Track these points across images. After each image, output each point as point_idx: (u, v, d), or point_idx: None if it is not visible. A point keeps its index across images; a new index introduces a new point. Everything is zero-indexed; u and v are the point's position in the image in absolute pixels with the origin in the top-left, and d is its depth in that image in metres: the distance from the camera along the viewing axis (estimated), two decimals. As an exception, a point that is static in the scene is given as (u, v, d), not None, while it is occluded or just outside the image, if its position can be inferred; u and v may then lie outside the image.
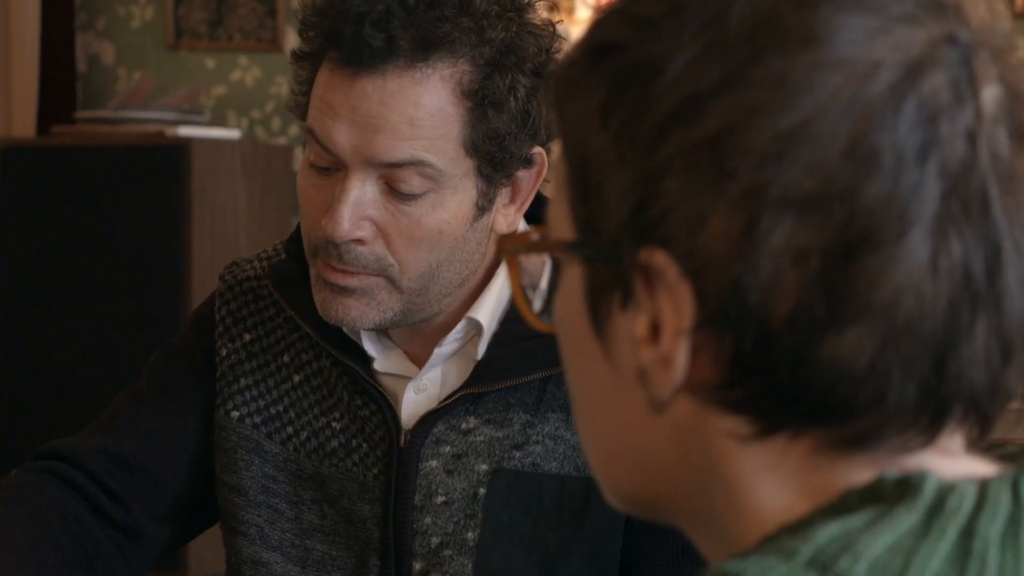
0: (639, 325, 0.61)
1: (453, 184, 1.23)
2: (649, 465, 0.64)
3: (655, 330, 0.61)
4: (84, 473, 1.37)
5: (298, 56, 1.27)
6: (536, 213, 1.32)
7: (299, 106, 1.28)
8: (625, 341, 0.62)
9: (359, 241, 1.23)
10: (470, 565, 1.27)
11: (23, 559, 1.27)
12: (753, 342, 0.59)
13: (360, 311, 1.25)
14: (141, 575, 1.40)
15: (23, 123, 3.71)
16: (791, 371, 0.59)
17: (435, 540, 1.29)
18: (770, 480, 0.61)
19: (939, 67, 0.59)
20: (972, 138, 0.59)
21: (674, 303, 0.60)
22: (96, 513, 1.36)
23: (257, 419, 1.36)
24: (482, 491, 1.28)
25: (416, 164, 1.21)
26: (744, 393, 0.60)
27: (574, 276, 0.65)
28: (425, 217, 1.22)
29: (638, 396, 0.62)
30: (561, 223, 0.65)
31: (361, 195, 1.22)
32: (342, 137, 1.21)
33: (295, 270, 1.33)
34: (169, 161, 3.08)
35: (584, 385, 0.66)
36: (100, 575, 1.35)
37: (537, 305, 0.69)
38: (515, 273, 0.67)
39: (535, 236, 0.69)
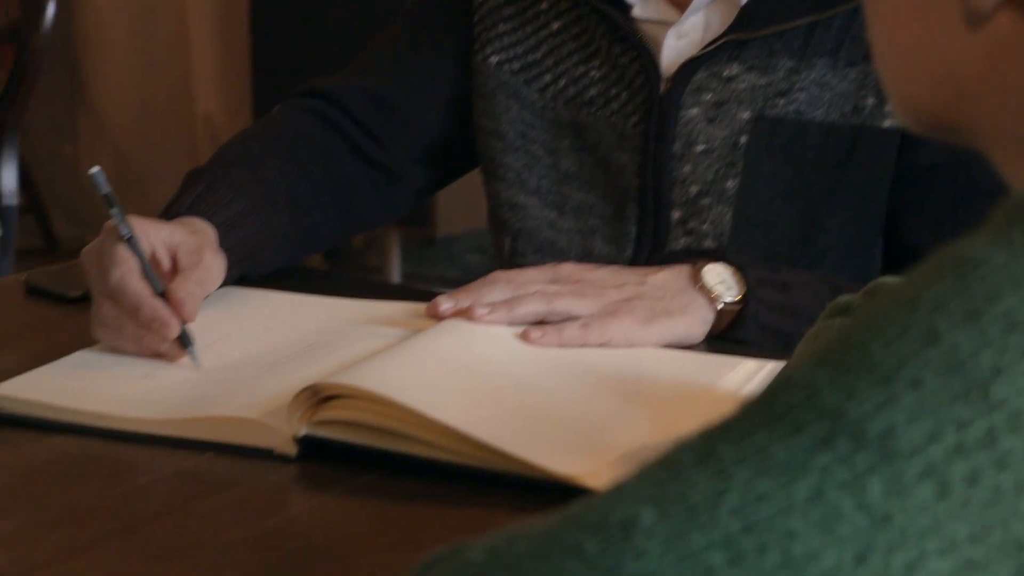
0: None
1: None
2: (956, 83, 0.60)
3: None
4: (343, 112, 1.39)
5: None
6: None
7: None
8: None
9: None
10: (729, 214, 1.27)
11: (274, 192, 1.30)
12: None
13: None
14: (397, 216, 1.45)
15: None
16: None
17: (694, 189, 1.28)
18: None
19: None
20: None
21: None
22: (354, 151, 1.39)
23: (515, 65, 1.36)
24: (743, 139, 1.27)
25: None
26: None
27: None
28: None
29: (951, 7, 0.58)
30: None
31: None
32: None
33: None
34: None
35: None
36: (355, 213, 1.39)
37: None
38: None
39: None
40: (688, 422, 0.90)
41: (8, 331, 1.21)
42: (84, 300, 1.26)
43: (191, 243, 1.15)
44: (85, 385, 1.04)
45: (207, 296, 1.15)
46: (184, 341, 1.09)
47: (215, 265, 1.15)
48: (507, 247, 1.37)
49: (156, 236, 1.14)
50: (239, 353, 1.11)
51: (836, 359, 0.50)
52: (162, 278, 1.12)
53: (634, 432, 0.95)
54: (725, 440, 0.50)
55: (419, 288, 1.29)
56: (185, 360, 1.09)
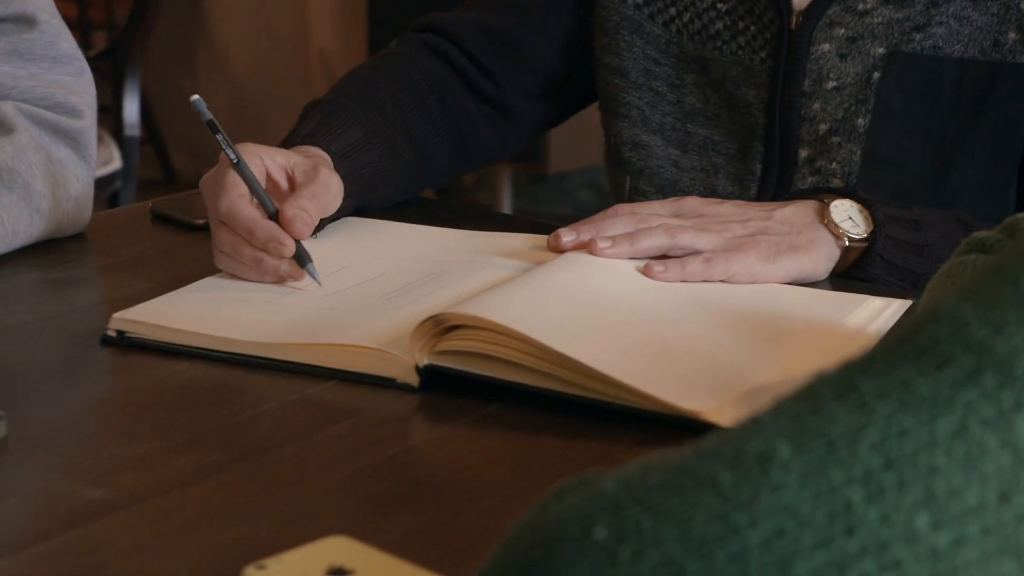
0: None
1: None
2: None
3: None
4: (458, 48, 1.38)
5: None
6: None
7: None
8: None
9: None
10: (858, 152, 1.24)
11: (391, 124, 1.29)
12: None
13: None
14: (512, 152, 1.44)
15: None
16: None
17: (823, 127, 1.26)
18: None
19: None
20: None
21: None
22: (469, 87, 1.38)
23: None
24: (876, 75, 1.24)
25: None
26: None
27: None
28: None
29: None
30: None
31: None
32: None
33: None
34: None
35: None
36: (471, 148, 1.38)
37: None
38: None
39: None
40: (812, 360, 0.92)
41: (135, 258, 1.23)
42: (208, 228, 1.27)
43: (306, 163, 1.15)
44: (210, 311, 1.05)
45: (329, 215, 1.14)
46: (300, 259, 1.09)
47: (332, 182, 1.14)
48: (627, 187, 1.36)
49: (271, 159, 1.14)
50: (361, 282, 1.11)
51: (984, 294, 0.49)
52: (278, 200, 1.12)
53: (757, 369, 0.94)
54: (866, 374, 0.49)
55: (536, 220, 1.29)
56: (306, 281, 1.09)
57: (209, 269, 1.14)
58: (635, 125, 1.34)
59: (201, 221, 1.28)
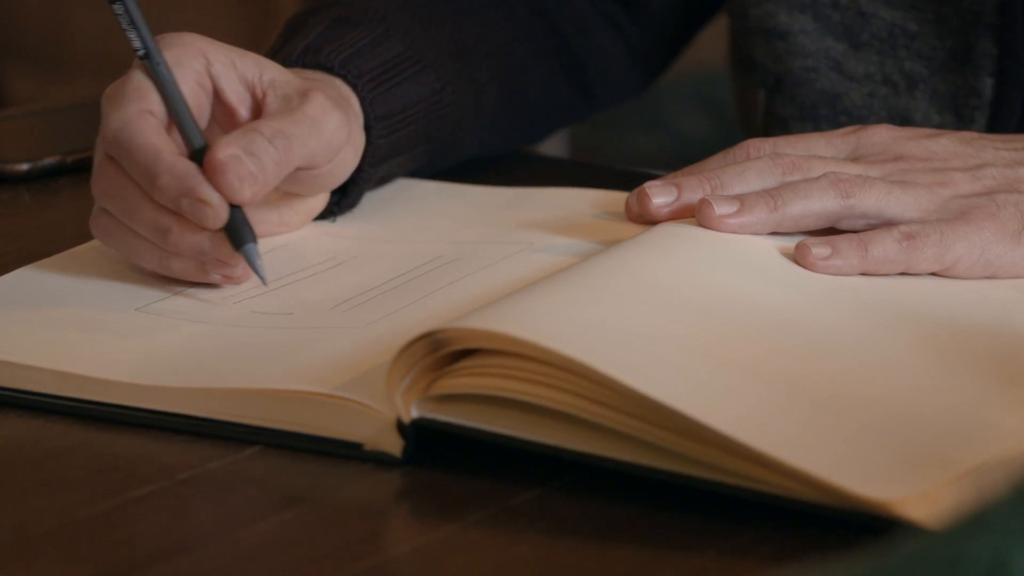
0: None
1: None
2: None
3: None
4: None
5: None
6: None
7: None
8: None
9: None
10: None
11: (458, 35, 1.32)
12: None
13: None
14: (645, 81, 1.49)
15: None
16: None
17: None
18: None
19: None
20: None
21: None
22: None
23: None
24: None
25: None
26: None
27: None
28: None
29: None
30: None
31: None
32: None
33: None
34: None
35: None
36: (596, 76, 1.44)
37: None
38: None
39: None
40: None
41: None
42: (39, 178, 1.32)
43: (294, 83, 1.14)
44: (41, 325, 1.06)
45: (333, 178, 1.14)
46: (235, 235, 1.07)
47: (329, 120, 1.12)
48: (761, 105, 1.37)
49: (225, 65, 1.13)
50: (305, 276, 1.13)
51: None
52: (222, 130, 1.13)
53: (996, 430, 0.94)
54: None
55: (604, 166, 1.34)
56: (238, 274, 1.09)
57: (51, 247, 1.14)
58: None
59: (24, 167, 1.30)
